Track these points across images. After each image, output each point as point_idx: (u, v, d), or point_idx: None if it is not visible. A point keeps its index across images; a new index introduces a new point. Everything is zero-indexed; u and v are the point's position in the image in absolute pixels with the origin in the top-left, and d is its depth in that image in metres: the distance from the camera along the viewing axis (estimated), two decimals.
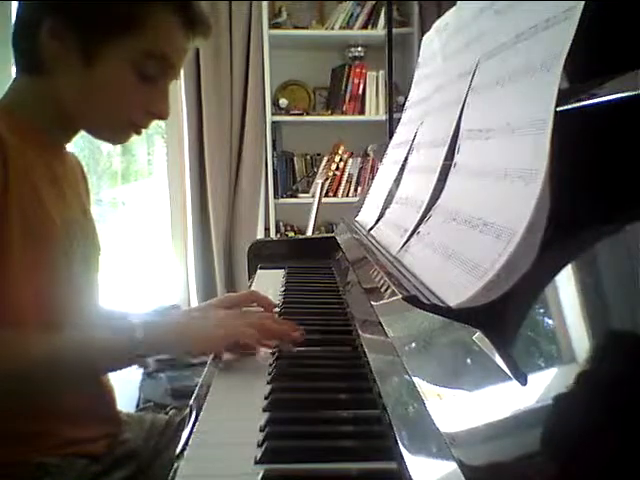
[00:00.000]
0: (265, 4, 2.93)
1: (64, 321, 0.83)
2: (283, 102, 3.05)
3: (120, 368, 0.80)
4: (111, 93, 0.84)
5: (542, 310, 0.44)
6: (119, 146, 3.52)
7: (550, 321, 0.43)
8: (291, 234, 3.16)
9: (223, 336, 0.81)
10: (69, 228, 0.86)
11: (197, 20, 0.86)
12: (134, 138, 0.91)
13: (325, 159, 3.14)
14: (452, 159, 0.71)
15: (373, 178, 1.34)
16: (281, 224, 3.20)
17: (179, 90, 2.95)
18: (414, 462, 0.47)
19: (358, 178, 3.15)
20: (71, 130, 0.91)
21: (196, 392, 0.73)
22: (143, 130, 0.90)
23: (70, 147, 0.96)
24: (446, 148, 0.76)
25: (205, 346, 0.82)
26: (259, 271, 1.44)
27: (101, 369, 0.85)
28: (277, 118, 3.04)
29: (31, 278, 0.79)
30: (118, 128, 0.88)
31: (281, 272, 1.37)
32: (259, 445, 0.57)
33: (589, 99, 0.46)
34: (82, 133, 0.91)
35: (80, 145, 3.17)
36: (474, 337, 0.46)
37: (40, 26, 0.79)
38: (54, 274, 0.83)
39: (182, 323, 0.90)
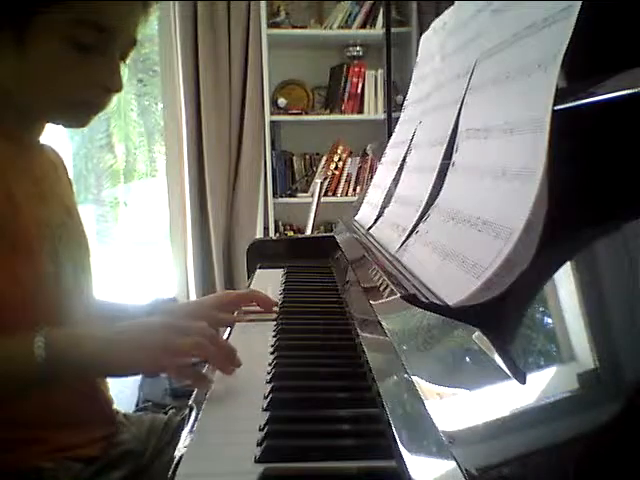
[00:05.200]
0: (263, 3, 2.92)
1: (52, 324, 0.83)
2: (282, 101, 3.05)
3: (25, 391, 0.74)
4: (51, 70, 0.79)
5: (541, 309, 0.44)
6: (120, 146, 3.53)
7: (549, 320, 0.43)
8: (290, 233, 3.16)
9: (159, 355, 0.71)
10: (50, 231, 0.84)
11: None
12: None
13: (324, 158, 3.14)
14: (450, 158, 0.72)
15: (372, 177, 1.34)
16: (280, 223, 3.20)
17: (178, 90, 2.95)
18: (413, 461, 0.47)
19: (357, 177, 3.15)
20: (32, 123, 0.87)
21: (195, 392, 0.73)
22: (101, 108, 0.85)
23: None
24: (444, 147, 0.76)
25: (135, 364, 0.73)
26: (258, 271, 1.44)
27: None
28: (276, 117, 3.04)
29: (9, 282, 0.78)
30: (73, 109, 0.84)
31: (280, 272, 1.37)
32: (259, 444, 0.57)
33: (587, 98, 0.46)
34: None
35: (78, 143, 3.17)
36: (473, 336, 0.46)
37: None
38: (37, 278, 0.81)
39: (104, 337, 0.75)
